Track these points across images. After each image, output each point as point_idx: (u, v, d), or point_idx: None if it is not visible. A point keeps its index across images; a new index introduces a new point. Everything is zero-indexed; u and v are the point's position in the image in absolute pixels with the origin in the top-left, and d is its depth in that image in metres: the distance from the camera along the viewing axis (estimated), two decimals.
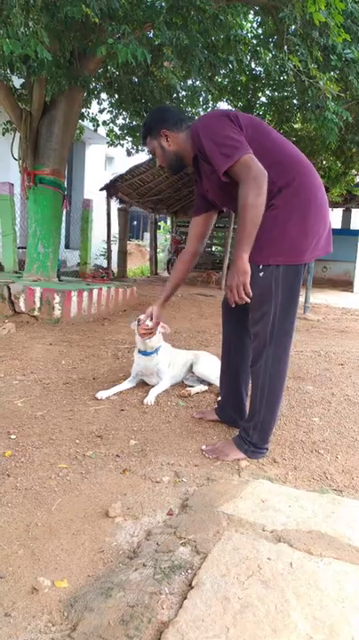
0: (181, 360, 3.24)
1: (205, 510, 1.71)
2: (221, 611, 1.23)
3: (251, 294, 1.99)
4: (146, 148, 2.42)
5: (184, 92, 7.65)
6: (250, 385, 2.28)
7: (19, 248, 7.24)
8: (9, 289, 5.09)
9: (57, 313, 5.04)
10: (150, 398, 2.89)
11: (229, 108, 8.39)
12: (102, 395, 2.91)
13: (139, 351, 3.04)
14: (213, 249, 14.13)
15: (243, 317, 2.21)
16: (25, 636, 1.17)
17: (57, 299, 5.03)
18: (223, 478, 2.00)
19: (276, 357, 2.09)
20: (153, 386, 3.05)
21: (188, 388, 3.11)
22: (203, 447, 2.28)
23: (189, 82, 7.42)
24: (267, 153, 2.00)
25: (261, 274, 2.04)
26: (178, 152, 2.25)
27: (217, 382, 3.12)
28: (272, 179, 1.97)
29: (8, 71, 5.28)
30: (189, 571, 1.39)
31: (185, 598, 1.27)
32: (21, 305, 5.08)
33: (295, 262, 2.04)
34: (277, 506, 1.75)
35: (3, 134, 7.59)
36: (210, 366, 3.21)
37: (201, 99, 8.05)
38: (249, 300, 2.01)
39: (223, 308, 2.45)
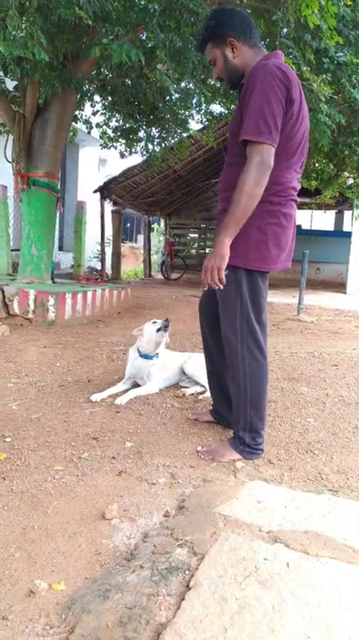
0: (176, 362, 3.24)
1: (202, 511, 1.71)
2: (219, 611, 1.24)
3: (224, 282, 1.97)
4: (205, 57, 2.04)
5: (177, 95, 7.66)
6: None
7: (12, 250, 7.22)
8: (2, 291, 5.07)
9: (51, 315, 5.03)
10: (123, 399, 2.86)
11: (222, 110, 8.39)
12: (97, 397, 2.90)
13: (140, 354, 3.05)
14: (207, 250, 14.15)
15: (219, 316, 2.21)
16: (22, 639, 1.17)
17: (51, 301, 5.02)
18: (219, 479, 2.00)
19: (251, 357, 2.09)
20: None
21: (183, 389, 3.12)
22: (199, 448, 2.28)
23: (182, 84, 7.43)
24: (286, 156, 1.98)
25: (225, 272, 1.99)
26: (240, 68, 2.02)
27: (206, 384, 3.13)
28: (288, 179, 1.99)
29: (1, 73, 5.27)
30: (187, 572, 1.40)
31: (182, 599, 1.28)
32: (15, 307, 5.06)
33: (256, 268, 2.05)
34: (273, 506, 1.75)
35: None
36: (200, 367, 3.19)
37: (194, 101, 8.06)
38: (221, 287, 1.99)
39: (200, 308, 2.44)
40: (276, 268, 2.11)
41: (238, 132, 1.92)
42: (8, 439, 2.29)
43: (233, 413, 2.26)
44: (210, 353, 2.48)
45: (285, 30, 5.27)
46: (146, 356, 3.05)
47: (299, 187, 2.11)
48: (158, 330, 3.01)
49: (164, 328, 3.02)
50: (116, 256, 11.63)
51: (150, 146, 8.71)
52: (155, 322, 3.05)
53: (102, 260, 11.02)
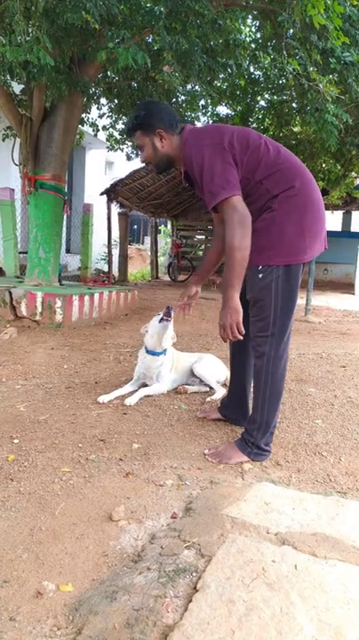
0: (185, 363, 3.23)
1: (209, 513, 1.70)
2: (227, 614, 1.23)
3: (244, 331, 2.04)
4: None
5: (183, 97, 7.68)
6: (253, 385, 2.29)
7: (20, 253, 7.26)
8: (10, 294, 5.10)
9: (58, 317, 5.05)
10: (133, 398, 2.87)
11: (228, 112, 8.40)
12: (104, 399, 2.91)
13: (147, 351, 3.04)
14: None
15: (247, 317, 2.22)
16: None
17: (58, 303, 5.04)
18: (226, 481, 2.00)
19: (276, 356, 2.12)
20: None
21: (185, 386, 3.11)
22: (206, 451, 2.27)
23: (189, 86, 7.45)
24: (264, 166, 2.05)
25: (261, 275, 2.07)
26: (169, 156, 2.19)
27: (215, 385, 3.12)
28: (268, 188, 2.04)
29: (8, 77, 5.31)
30: (194, 574, 1.39)
31: (190, 601, 1.27)
32: (23, 310, 5.08)
33: (293, 262, 2.06)
34: (281, 508, 1.74)
35: (4, 140, 7.62)
36: (210, 368, 3.18)
37: (200, 103, 8.07)
38: (241, 338, 2.05)
39: None
40: (311, 257, 2.13)
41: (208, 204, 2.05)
42: (16, 441, 2.30)
43: (250, 415, 2.27)
44: (234, 352, 2.50)
45: (291, 31, 5.26)
46: (153, 353, 3.04)
47: (293, 164, 2.10)
48: (160, 320, 2.97)
49: (166, 316, 2.95)
50: (123, 258, 11.65)
51: None
52: (159, 313, 3.04)
53: (109, 263, 11.04)
